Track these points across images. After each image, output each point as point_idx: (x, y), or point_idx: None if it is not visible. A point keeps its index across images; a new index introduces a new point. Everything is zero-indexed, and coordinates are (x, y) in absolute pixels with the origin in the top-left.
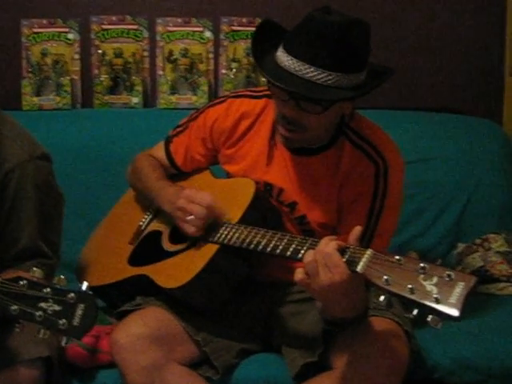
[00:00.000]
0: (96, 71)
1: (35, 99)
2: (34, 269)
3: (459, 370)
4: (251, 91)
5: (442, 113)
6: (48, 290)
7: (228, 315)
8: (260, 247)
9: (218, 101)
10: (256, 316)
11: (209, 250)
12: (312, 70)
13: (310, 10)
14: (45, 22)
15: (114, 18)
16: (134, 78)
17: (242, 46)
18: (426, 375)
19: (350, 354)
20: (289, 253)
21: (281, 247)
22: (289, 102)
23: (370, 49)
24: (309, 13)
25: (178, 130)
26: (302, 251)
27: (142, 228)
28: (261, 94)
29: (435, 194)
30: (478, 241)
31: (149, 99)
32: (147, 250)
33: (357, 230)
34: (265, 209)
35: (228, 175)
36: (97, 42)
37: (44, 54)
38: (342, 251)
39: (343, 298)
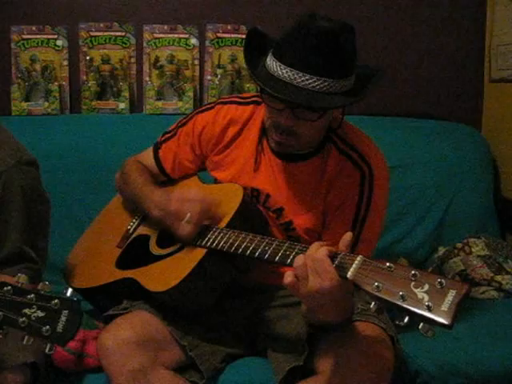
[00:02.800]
0: (84, 77)
1: (24, 104)
2: (19, 274)
3: (442, 374)
4: (239, 97)
5: (423, 119)
6: (32, 295)
7: (214, 319)
8: (248, 252)
9: (206, 107)
10: (242, 320)
11: (196, 254)
12: (307, 77)
13: (294, 16)
14: (34, 28)
15: (101, 25)
16: (121, 83)
17: (227, 53)
18: (409, 380)
19: (335, 359)
20: (277, 258)
21: (269, 252)
22: (284, 111)
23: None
24: (297, 20)
25: (167, 136)
26: (291, 256)
27: (130, 232)
28: (249, 100)
29: (416, 199)
30: (458, 245)
31: (135, 105)
32: (135, 253)
33: (347, 236)
34: (252, 214)
35: (216, 181)
36: (85, 49)
37: (33, 60)
38: (332, 257)
39: (331, 303)
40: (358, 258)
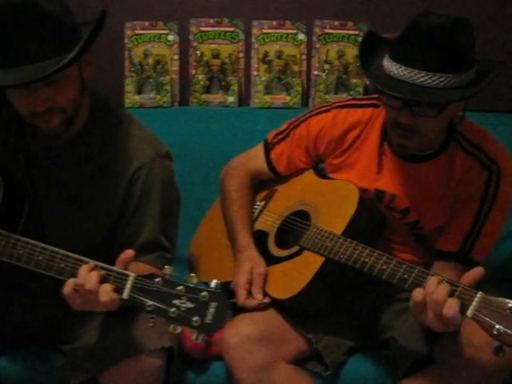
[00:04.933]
0: (193, 71)
1: (137, 97)
2: (166, 266)
3: None
4: (356, 100)
5: None
6: (181, 287)
7: (335, 313)
8: (366, 269)
9: (321, 109)
10: (362, 312)
11: (315, 262)
12: (422, 74)
13: (400, 13)
14: (147, 24)
15: (211, 21)
16: (230, 78)
17: (334, 49)
18: None
19: (456, 349)
20: (395, 281)
21: (387, 273)
22: (403, 109)
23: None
24: (412, 19)
25: (279, 137)
26: (409, 282)
27: None
28: (367, 102)
29: None
30: None
31: (243, 98)
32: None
33: (476, 273)
34: (368, 216)
35: None
36: (195, 44)
37: (146, 55)
38: (451, 290)
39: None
40: (478, 296)
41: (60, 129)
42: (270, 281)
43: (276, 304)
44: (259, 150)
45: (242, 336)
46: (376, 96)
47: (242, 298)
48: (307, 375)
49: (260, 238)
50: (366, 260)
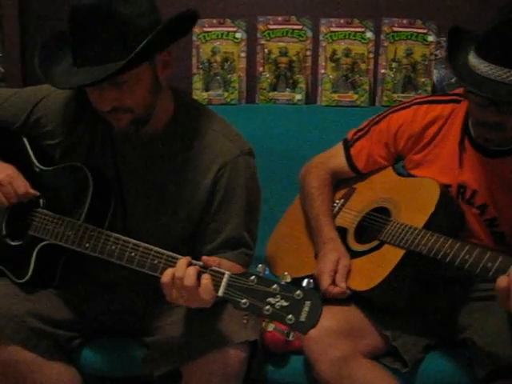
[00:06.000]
0: (260, 69)
1: (205, 94)
2: (260, 264)
3: None
4: (437, 96)
5: None
6: (276, 286)
7: (412, 311)
8: (448, 259)
9: (401, 106)
10: (438, 312)
11: (395, 255)
12: (511, 73)
13: (469, 10)
14: (215, 21)
15: (279, 19)
16: (297, 75)
17: (403, 47)
18: None
19: None
20: (478, 270)
21: (469, 262)
22: (489, 107)
23: None
24: (500, 15)
25: (359, 134)
26: (493, 270)
27: None
28: (447, 98)
29: None
30: None
31: (310, 96)
32: None
33: None
34: (449, 212)
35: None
36: (262, 41)
37: (214, 52)
38: None
39: None
40: None
41: (130, 128)
42: (351, 274)
43: (355, 298)
44: (339, 148)
45: (322, 329)
46: (457, 92)
47: (326, 283)
48: (387, 371)
49: (339, 234)
50: (448, 251)
